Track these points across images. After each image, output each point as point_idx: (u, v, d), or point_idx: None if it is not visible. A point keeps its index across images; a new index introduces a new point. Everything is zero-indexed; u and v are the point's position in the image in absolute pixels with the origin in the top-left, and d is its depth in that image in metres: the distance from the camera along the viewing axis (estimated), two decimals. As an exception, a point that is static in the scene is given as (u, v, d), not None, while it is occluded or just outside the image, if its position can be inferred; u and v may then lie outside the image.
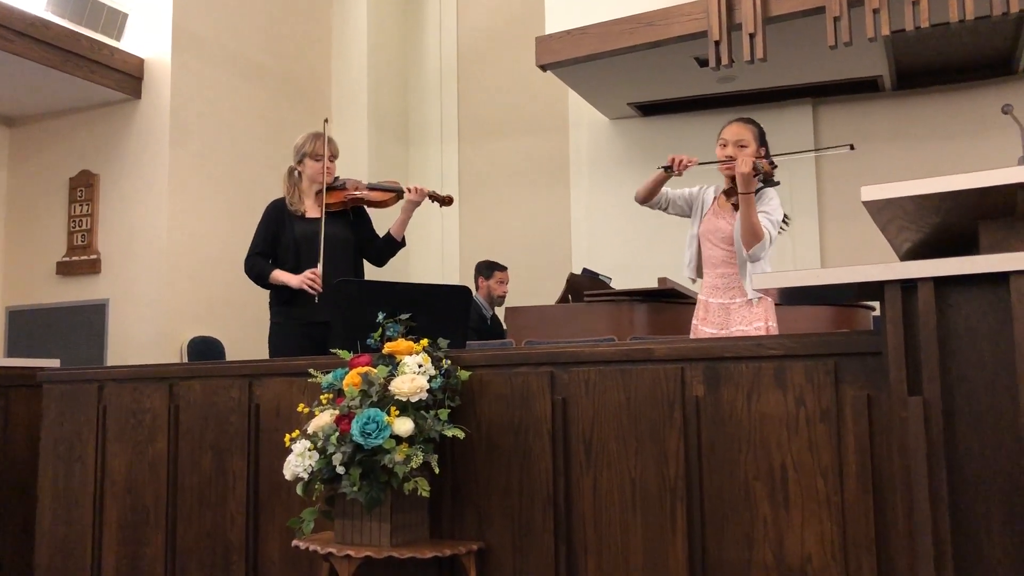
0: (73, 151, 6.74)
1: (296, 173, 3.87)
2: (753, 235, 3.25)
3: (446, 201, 3.94)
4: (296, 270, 3.70)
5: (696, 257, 3.55)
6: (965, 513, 1.66)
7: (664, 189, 3.54)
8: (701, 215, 3.51)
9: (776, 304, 3.38)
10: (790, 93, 6.98)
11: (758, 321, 3.30)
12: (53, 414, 3.37)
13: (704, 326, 3.42)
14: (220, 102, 6.79)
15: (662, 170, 3.44)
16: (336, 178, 3.87)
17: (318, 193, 3.82)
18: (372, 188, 3.90)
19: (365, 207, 3.94)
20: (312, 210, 3.82)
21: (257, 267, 3.79)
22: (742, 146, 3.37)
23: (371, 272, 4.04)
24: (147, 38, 6.52)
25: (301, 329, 3.71)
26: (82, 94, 6.43)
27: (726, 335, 3.28)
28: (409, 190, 3.84)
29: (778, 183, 3.42)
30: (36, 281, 6.76)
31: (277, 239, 3.79)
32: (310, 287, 3.64)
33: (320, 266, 3.66)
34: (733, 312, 3.36)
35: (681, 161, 3.38)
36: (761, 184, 3.35)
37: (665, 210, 3.60)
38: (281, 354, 3.66)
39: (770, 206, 3.35)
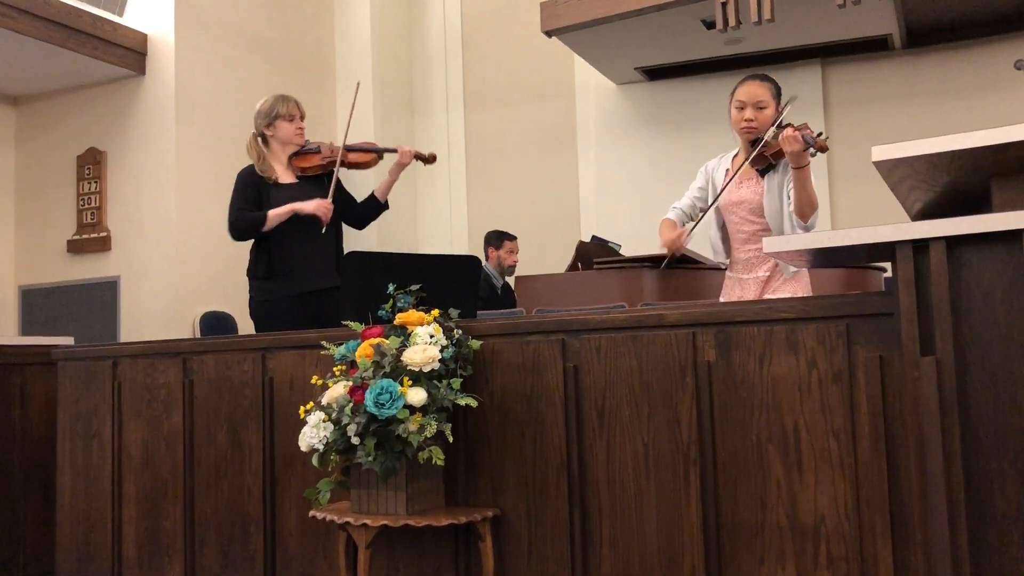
0: (80, 129, 6.73)
1: (261, 139, 3.75)
2: (811, 206, 3.03)
3: (430, 159, 3.84)
4: (279, 240, 3.59)
5: (721, 238, 3.32)
6: (978, 472, 1.67)
7: (686, 207, 3.38)
8: (716, 192, 3.28)
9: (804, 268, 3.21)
10: (798, 54, 6.90)
11: (796, 293, 3.11)
12: (69, 391, 3.40)
13: None
14: (225, 76, 6.76)
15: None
16: (307, 141, 3.78)
17: (291, 157, 3.73)
18: (349, 149, 3.76)
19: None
20: (284, 175, 3.71)
21: (247, 219, 3.62)
22: (761, 107, 3.13)
23: (381, 243, 4.01)
24: (150, 13, 6.48)
25: (290, 302, 3.59)
26: (86, 71, 6.40)
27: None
28: (399, 151, 3.72)
29: (827, 150, 3.10)
30: (47, 259, 6.79)
31: (259, 204, 3.64)
32: (324, 215, 3.55)
33: (330, 197, 3.59)
34: (771, 283, 3.17)
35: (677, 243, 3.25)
36: (813, 154, 3.05)
37: (698, 221, 3.36)
38: (271, 329, 3.49)
39: None
